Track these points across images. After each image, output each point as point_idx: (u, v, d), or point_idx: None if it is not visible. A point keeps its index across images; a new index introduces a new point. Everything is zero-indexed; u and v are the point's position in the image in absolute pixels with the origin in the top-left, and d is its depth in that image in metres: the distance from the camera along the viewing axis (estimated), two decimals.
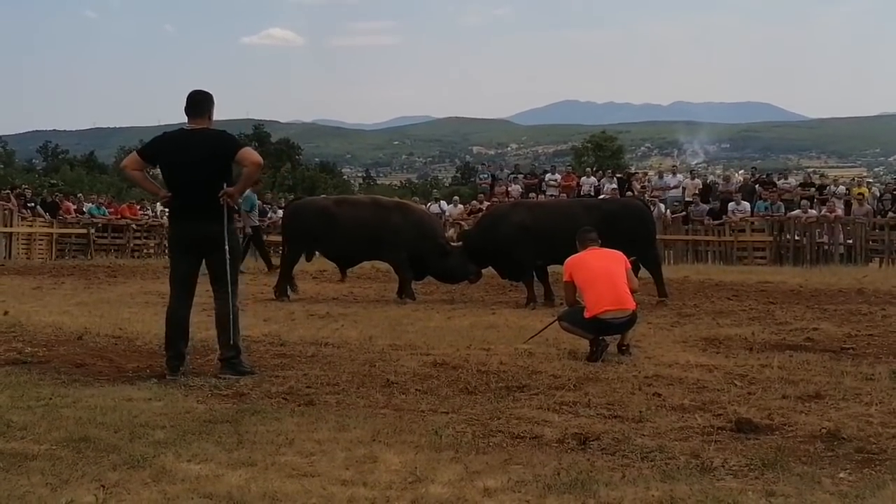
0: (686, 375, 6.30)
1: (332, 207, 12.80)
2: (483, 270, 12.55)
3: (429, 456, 4.23)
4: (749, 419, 4.85)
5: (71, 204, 24.22)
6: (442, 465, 4.08)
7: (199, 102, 6.41)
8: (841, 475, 3.97)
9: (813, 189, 22.80)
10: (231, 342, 6.31)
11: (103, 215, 23.71)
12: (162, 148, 6.44)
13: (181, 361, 6.34)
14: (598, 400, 5.49)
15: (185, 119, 6.45)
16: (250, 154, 6.36)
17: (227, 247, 6.25)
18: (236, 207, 6.60)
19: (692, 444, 4.50)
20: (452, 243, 13.06)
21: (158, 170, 6.62)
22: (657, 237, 14.55)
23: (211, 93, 6.51)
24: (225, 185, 6.27)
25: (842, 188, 23.01)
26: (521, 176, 27.62)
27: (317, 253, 14.39)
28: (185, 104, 6.39)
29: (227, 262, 6.28)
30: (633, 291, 7.46)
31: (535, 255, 11.69)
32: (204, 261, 6.38)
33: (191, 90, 6.48)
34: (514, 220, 11.98)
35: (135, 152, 6.64)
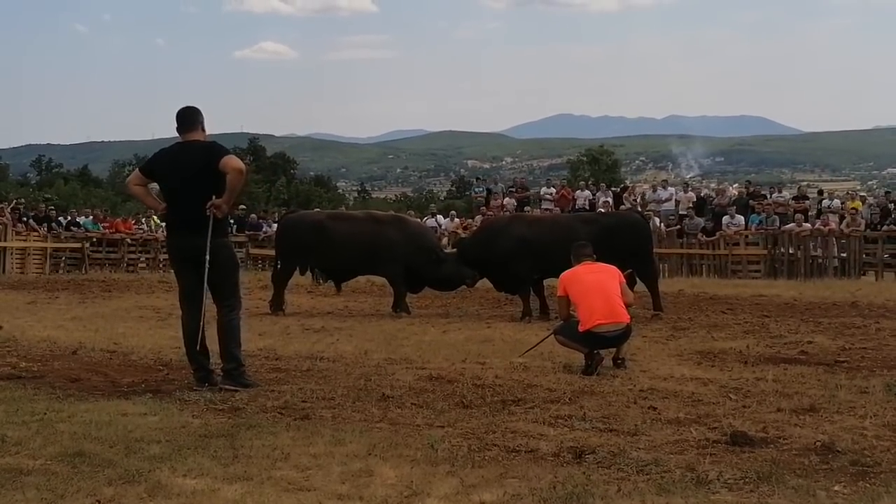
0: (681, 389, 6.32)
1: (326, 221, 12.84)
2: (478, 284, 12.55)
3: (425, 470, 4.23)
4: (744, 432, 4.86)
5: (60, 219, 24.13)
6: (438, 479, 4.08)
7: (185, 116, 6.48)
8: (836, 488, 3.99)
9: (806, 202, 22.84)
10: (230, 354, 6.33)
11: (97, 230, 23.66)
12: (158, 163, 6.57)
13: (207, 373, 6.36)
14: (594, 413, 5.50)
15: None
16: (231, 160, 6.27)
17: (205, 258, 6.21)
18: (226, 219, 6.56)
19: (687, 457, 4.51)
20: (447, 250, 13.06)
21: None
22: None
23: (196, 106, 6.57)
24: (214, 197, 6.25)
25: (836, 202, 23.07)
26: (514, 189, 27.59)
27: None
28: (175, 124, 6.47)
29: (205, 276, 6.24)
30: (627, 305, 7.49)
31: (533, 268, 11.69)
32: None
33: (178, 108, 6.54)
34: (514, 233, 11.99)
35: (137, 168, 6.81)
